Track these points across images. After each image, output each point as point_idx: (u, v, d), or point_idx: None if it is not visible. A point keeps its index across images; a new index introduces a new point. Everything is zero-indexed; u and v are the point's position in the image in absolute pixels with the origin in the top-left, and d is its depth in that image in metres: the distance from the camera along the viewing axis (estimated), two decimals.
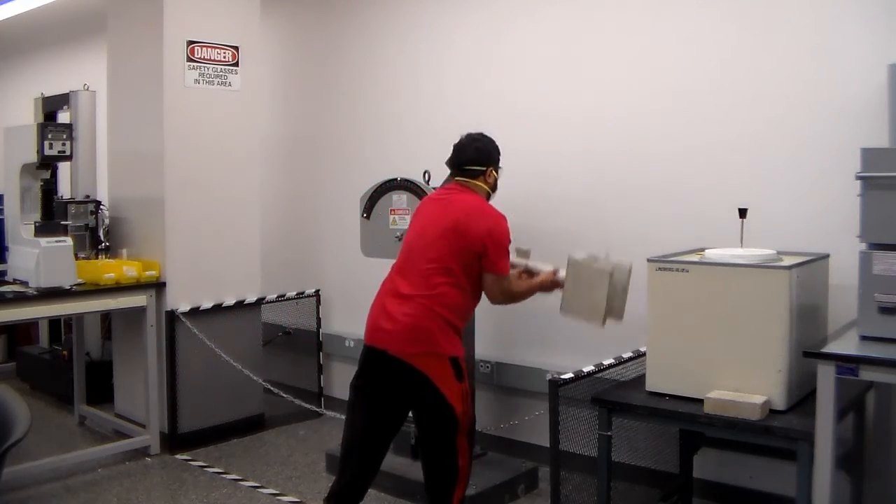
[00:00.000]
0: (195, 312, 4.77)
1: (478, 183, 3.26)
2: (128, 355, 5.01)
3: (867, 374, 2.62)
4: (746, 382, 2.92)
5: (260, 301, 5.14)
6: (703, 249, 3.39)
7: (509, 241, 3.17)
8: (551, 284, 3.29)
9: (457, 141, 3.32)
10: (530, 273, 3.34)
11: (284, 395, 4.92)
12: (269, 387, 5.02)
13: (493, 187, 3.33)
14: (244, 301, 5.03)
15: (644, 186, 4.03)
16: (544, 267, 3.33)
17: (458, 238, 3.07)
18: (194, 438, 4.75)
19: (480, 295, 3.19)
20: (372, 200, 4.13)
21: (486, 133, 3.35)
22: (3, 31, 8.10)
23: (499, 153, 3.35)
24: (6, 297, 4.16)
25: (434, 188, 3.95)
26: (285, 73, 5.85)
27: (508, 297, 3.19)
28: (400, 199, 4.01)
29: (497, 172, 3.33)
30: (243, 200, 5.04)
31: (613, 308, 3.12)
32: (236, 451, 4.75)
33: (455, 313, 3.07)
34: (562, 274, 3.26)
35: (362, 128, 5.30)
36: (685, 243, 3.59)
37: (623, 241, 4.07)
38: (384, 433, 3.15)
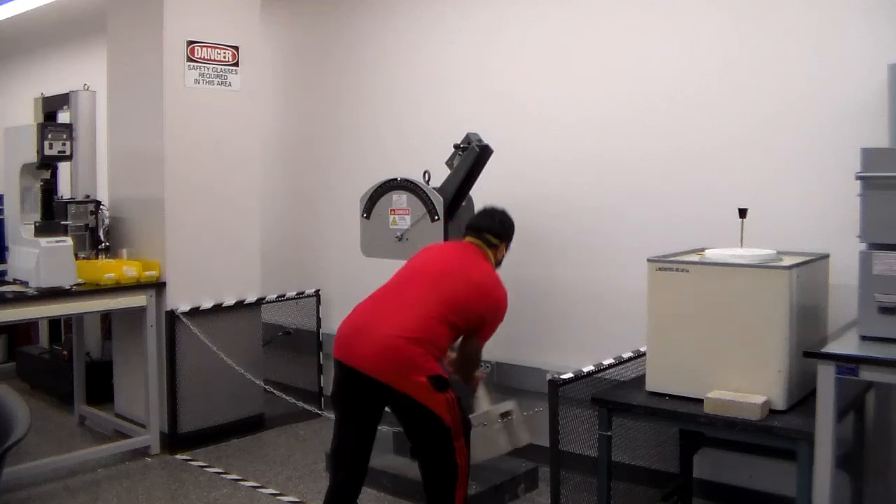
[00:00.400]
0: (195, 312, 4.77)
1: (490, 253, 3.44)
2: (128, 355, 5.01)
3: (867, 374, 2.62)
4: (746, 382, 2.92)
5: (260, 301, 5.14)
6: (703, 249, 3.39)
7: (499, 321, 3.37)
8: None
9: (482, 208, 3.58)
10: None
11: (285, 396, 4.92)
12: (270, 389, 5.02)
13: (499, 263, 3.51)
14: (244, 301, 5.03)
15: (644, 186, 4.03)
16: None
17: (467, 300, 3.20)
18: (194, 438, 4.75)
19: (453, 343, 3.31)
20: (372, 200, 4.13)
21: (505, 209, 3.57)
22: (3, 31, 8.09)
23: (514, 233, 3.56)
24: (6, 297, 4.16)
25: (434, 188, 3.95)
26: (285, 73, 5.85)
27: (476, 359, 3.41)
28: (400, 199, 4.01)
29: (507, 251, 3.55)
30: (243, 200, 5.04)
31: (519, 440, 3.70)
32: (236, 451, 4.75)
33: (439, 351, 3.15)
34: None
35: (362, 128, 5.30)
36: (685, 243, 3.59)
37: (623, 241, 4.08)
38: (367, 438, 3.25)
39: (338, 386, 3.19)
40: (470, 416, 3.41)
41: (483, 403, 3.78)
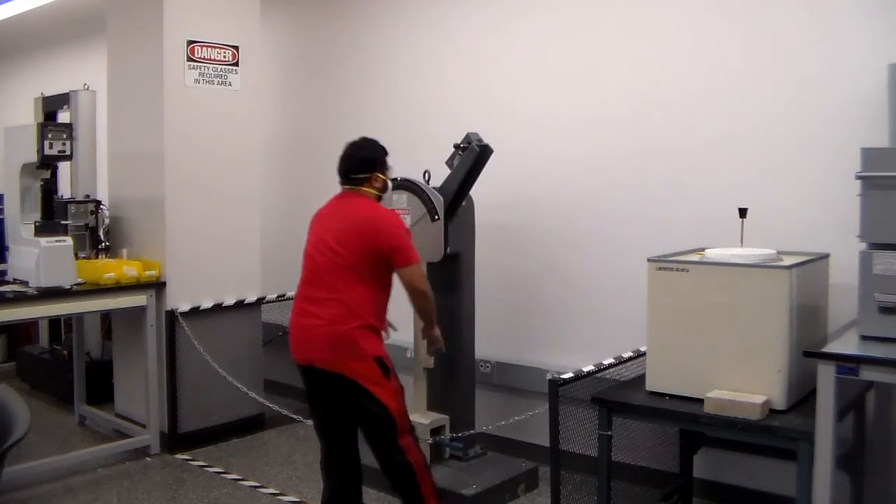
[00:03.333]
0: (195, 312, 4.77)
1: (365, 189, 3.39)
2: (128, 355, 5.01)
3: (867, 374, 2.62)
4: (746, 382, 2.92)
5: (260, 301, 5.14)
6: (703, 249, 3.39)
7: (407, 231, 3.37)
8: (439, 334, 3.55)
9: (342, 151, 3.47)
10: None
11: (284, 397, 4.92)
12: (265, 397, 5.02)
13: (382, 189, 3.45)
14: (244, 301, 5.03)
15: (644, 187, 4.03)
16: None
17: (359, 241, 3.22)
18: (194, 438, 4.75)
19: (389, 289, 3.33)
20: None
21: (369, 137, 3.49)
22: (3, 31, 8.10)
23: (383, 155, 3.46)
24: (6, 296, 4.16)
25: (434, 188, 3.95)
26: (285, 73, 5.85)
27: (419, 289, 3.30)
28: (400, 199, 4.01)
29: (385, 174, 3.45)
30: (243, 200, 5.04)
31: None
32: (236, 451, 4.75)
33: (368, 313, 3.21)
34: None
35: (362, 128, 5.25)
36: (685, 243, 3.59)
37: (623, 241, 4.08)
38: (350, 439, 3.34)
39: (306, 389, 3.33)
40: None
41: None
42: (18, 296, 4.20)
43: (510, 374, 4.47)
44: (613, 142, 4.14)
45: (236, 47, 4.96)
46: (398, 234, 3.27)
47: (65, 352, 5.55)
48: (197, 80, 4.79)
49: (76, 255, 4.53)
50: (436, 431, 4.03)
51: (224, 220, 4.96)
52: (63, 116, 5.51)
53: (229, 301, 4.96)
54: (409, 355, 4.33)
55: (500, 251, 4.51)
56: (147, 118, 4.78)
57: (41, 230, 4.52)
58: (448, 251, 3.92)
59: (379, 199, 3.44)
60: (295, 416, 4.70)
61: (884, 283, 2.70)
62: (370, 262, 3.21)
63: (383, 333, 3.37)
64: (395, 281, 3.32)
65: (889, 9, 3.34)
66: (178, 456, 4.62)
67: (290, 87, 5.82)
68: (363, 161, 3.40)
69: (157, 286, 4.68)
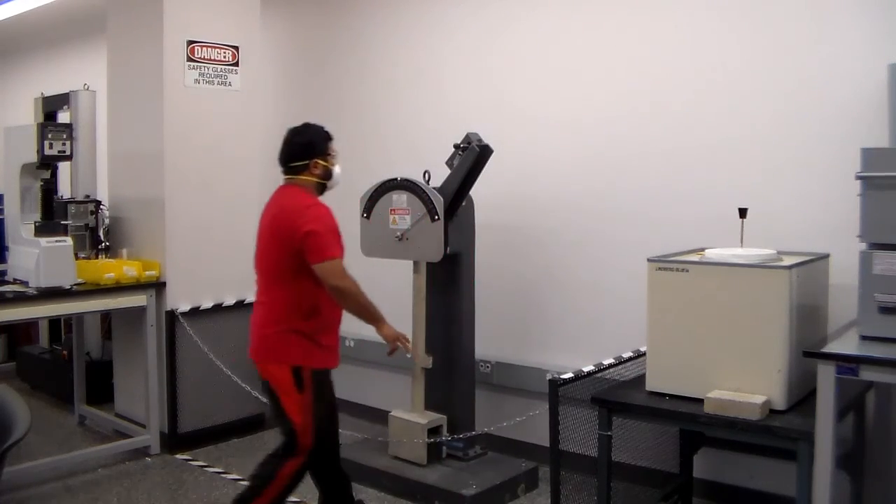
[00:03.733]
0: (195, 312, 4.77)
1: (304, 177, 3.22)
2: (128, 355, 5.01)
3: (867, 374, 2.62)
4: (746, 382, 2.92)
5: None
6: (703, 249, 3.39)
7: (327, 227, 3.09)
8: (391, 332, 3.31)
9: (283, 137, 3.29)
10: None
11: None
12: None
13: (324, 176, 3.25)
14: (244, 301, 5.03)
15: (644, 186, 4.03)
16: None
17: (277, 237, 3.11)
18: (194, 438, 4.75)
19: (319, 290, 3.10)
20: (372, 200, 4.13)
21: (311, 123, 3.31)
22: (3, 31, 8.09)
23: (325, 140, 3.26)
24: (6, 297, 4.16)
25: (434, 188, 3.95)
26: (285, 73, 5.85)
27: (336, 278, 3.05)
28: (400, 199, 4.01)
29: (326, 160, 3.24)
30: (243, 200, 5.03)
31: None
32: (236, 451, 4.75)
33: (294, 315, 3.09)
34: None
35: (362, 128, 5.29)
36: (685, 243, 3.59)
37: (623, 241, 4.08)
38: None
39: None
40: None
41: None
42: (18, 296, 4.20)
43: (510, 374, 4.47)
44: (614, 141, 4.14)
45: (236, 47, 4.96)
46: (313, 226, 3.04)
47: (65, 352, 5.55)
48: (197, 80, 4.79)
49: (76, 255, 4.52)
50: (433, 431, 4.03)
51: (224, 220, 4.96)
52: (63, 116, 5.51)
53: (229, 301, 4.96)
54: (408, 355, 4.33)
55: (500, 251, 4.51)
56: (147, 118, 4.77)
57: (41, 230, 4.52)
58: (448, 251, 3.92)
59: (322, 187, 3.26)
60: None
61: (884, 283, 2.70)
62: (293, 259, 3.05)
63: (399, 345, 3.27)
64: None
65: (889, 9, 3.34)
66: (178, 456, 4.62)
67: (290, 87, 5.82)
68: (301, 147, 3.22)
69: (157, 286, 4.68)
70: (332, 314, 3.22)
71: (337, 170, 3.32)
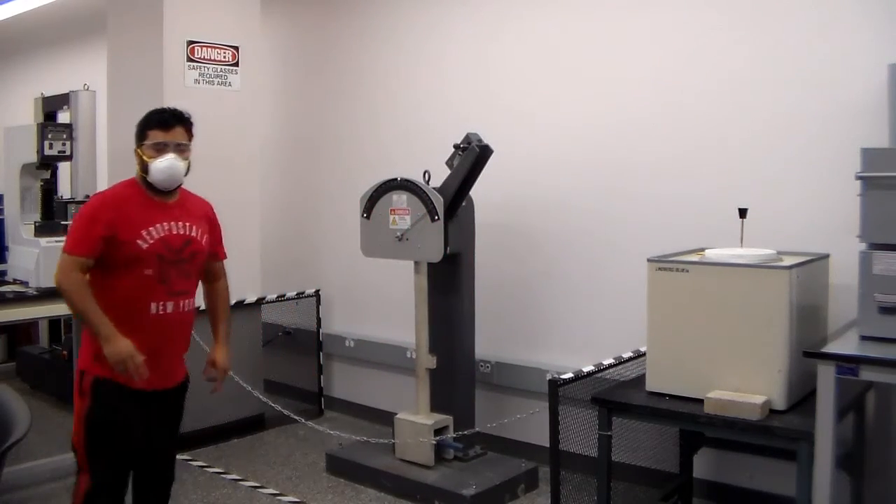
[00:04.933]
0: (195, 312, 4.75)
1: (137, 167, 2.86)
2: None
3: (867, 374, 2.62)
4: (746, 382, 2.92)
5: (260, 301, 5.14)
6: (703, 249, 3.39)
7: (78, 219, 2.82)
8: (113, 350, 2.68)
9: None
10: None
11: (284, 397, 4.92)
12: (265, 397, 5.02)
13: (143, 169, 2.83)
14: (244, 301, 5.03)
15: (644, 186, 4.03)
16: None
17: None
18: (194, 438, 4.74)
19: (118, 288, 2.78)
20: (372, 200, 4.13)
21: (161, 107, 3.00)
22: (3, 31, 8.10)
23: (141, 127, 2.88)
24: (6, 297, 4.16)
25: (434, 188, 3.95)
26: (285, 73, 5.85)
27: (58, 273, 2.72)
28: (400, 199, 4.01)
29: (141, 149, 2.84)
30: (243, 201, 5.03)
31: None
32: (236, 451, 4.75)
33: (83, 316, 2.71)
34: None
35: (362, 128, 5.30)
36: (685, 243, 3.59)
37: (623, 241, 4.08)
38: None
39: None
40: None
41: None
42: (18, 296, 4.20)
43: (510, 374, 4.47)
44: (614, 142, 4.14)
45: (236, 47, 4.95)
46: (83, 209, 2.78)
47: (65, 352, 5.55)
48: (197, 81, 4.79)
49: None
50: (439, 432, 4.02)
51: (223, 220, 4.92)
52: (63, 116, 5.51)
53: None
54: (409, 355, 4.33)
55: (500, 251, 4.51)
56: None
57: (41, 230, 4.51)
58: (448, 251, 3.92)
59: (143, 179, 2.86)
60: (295, 417, 4.71)
61: (884, 283, 2.70)
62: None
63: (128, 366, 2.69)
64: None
65: (890, 9, 3.34)
66: (179, 456, 4.61)
67: (290, 88, 5.82)
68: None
69: None
70: (131, 316, 2.75)
71: (158, 164, 2.81)
